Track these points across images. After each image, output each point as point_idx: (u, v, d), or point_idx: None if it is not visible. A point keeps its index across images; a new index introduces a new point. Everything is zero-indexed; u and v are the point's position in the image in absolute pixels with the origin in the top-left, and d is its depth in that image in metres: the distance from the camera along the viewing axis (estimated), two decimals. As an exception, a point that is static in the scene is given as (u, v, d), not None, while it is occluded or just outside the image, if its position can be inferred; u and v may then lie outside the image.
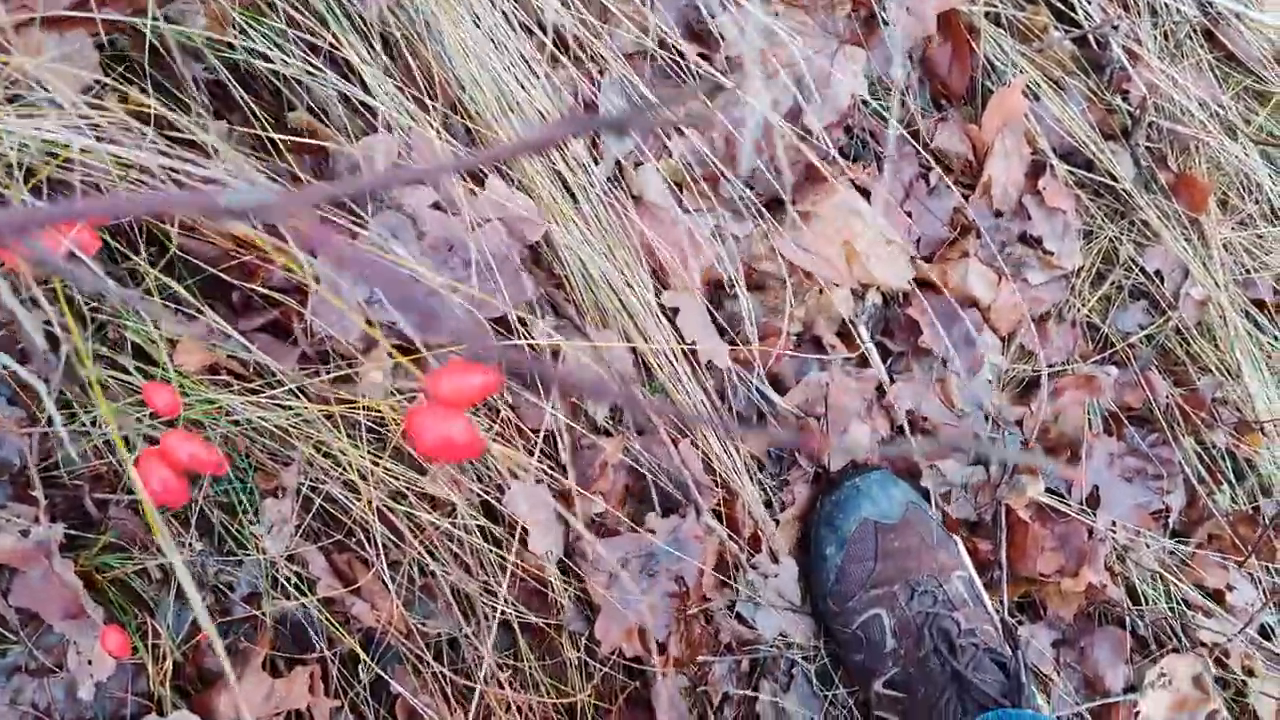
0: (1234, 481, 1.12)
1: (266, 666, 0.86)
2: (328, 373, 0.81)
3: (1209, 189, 1.07)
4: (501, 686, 0.88)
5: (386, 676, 0.87)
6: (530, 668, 0.90)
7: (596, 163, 0.92)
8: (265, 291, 0.82)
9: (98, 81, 0.77)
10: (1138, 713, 1.05)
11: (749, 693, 0.96)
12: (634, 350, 0.92)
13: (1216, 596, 1.08)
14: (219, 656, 0.84)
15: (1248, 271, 1.12)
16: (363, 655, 0.86)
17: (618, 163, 0.93)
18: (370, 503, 0.83)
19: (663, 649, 0.92)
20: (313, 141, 0.84)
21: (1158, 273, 1.09)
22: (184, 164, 0.75)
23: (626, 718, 0.92)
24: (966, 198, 1.02)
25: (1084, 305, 1.08)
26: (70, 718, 0.84)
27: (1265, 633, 1.12)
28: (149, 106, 0.74)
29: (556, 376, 0.29)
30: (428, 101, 0.86)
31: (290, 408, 0.80)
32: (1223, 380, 1.10)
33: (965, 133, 1.03)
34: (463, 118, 0.87)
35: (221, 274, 0.80)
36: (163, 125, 0.76)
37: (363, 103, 0.85)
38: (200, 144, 0.78)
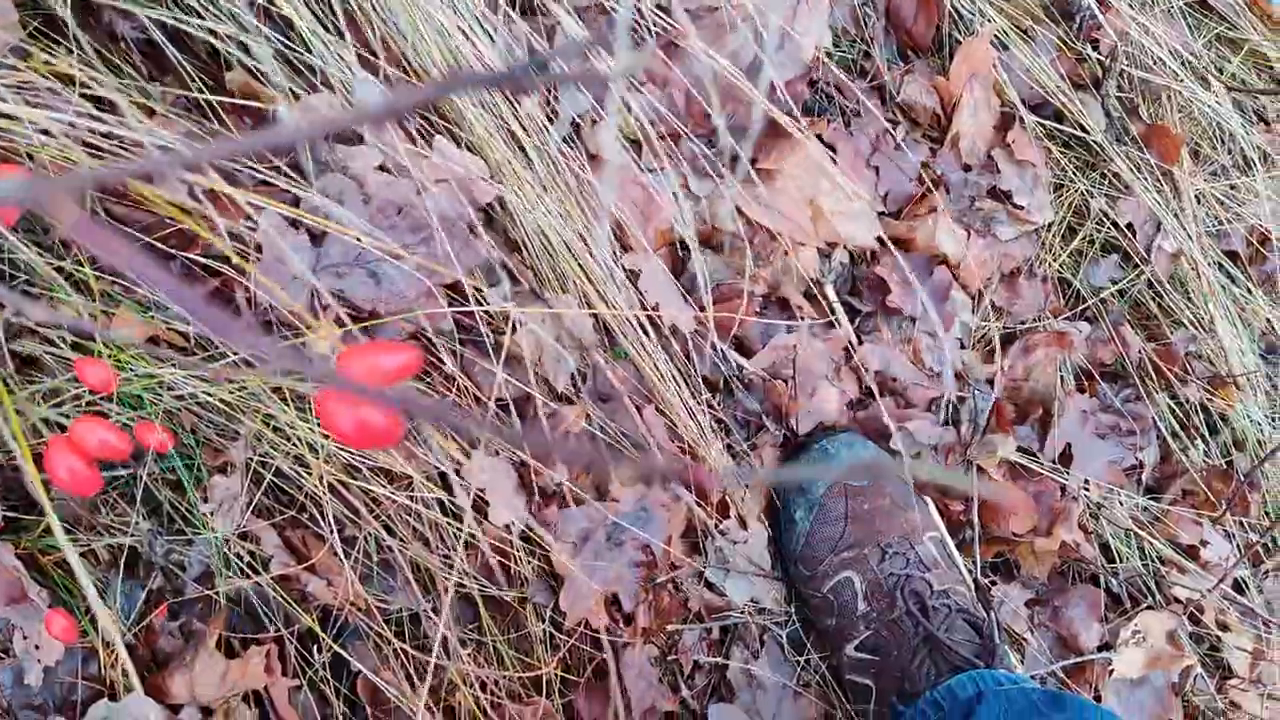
0: (1208, 436, 1.11)
1: (222, 647, 0.84)
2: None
3: (1181, 139, 1.05)
4: (465, 661, 0.86)
5: (346, 654, 0.85)
6: (494, 641, 0.88)
7: (551, 121, 0.88)
8: (205, 260, 0.78)
9: (20, 40, 0.73)
10: (1112, 671, 1.04)
11: (720, 660, 0.94)
12: (595, 315, 0.89)
13: (1190, 552, 1.07)
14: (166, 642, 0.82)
15: (1221, 223, 1.10)
16: (320, 633, 0.84)
17: (574, 121, 0.90)
18: (321, 478, 0.80)
19: (630, 619, 0.90)
20: (252, 103, 0.80)
21: (1129, 226, 1.07)
22: (117, 129, 0.72)
23: (595, 689, 0.91)
24: (934, 152, 0.99)
25: (1055, 260, 1.06)
26: (19, 704, 0.81)
27: (1239, 587, 1.11)
28: (73, 67, 0.70)
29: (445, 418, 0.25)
30: (372, 60, 0.82)
31: (234, 380, 0.77)
32: (1196, 334, 1.08)
33: (932, 85, 1.00)
34: (409, 75, 0.84)
35: (158, 243, 0.76)
36: (95, 97, 0.72)
37: (303, 62, 0.82)
38: (133, 106, 0.74)
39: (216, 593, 0.83)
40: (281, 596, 0.84)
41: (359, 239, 0.81)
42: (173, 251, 0.77)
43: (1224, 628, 1.10)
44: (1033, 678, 1.02)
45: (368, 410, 0.35)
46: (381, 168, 0.81)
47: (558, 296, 0.88)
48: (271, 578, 0.83)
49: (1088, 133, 1.04)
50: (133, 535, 0.82)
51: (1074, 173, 1.06)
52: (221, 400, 0.79)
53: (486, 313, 0.86)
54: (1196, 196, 1.08)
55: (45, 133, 0.69)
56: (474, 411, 0.87)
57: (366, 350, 0.35)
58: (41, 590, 0.80)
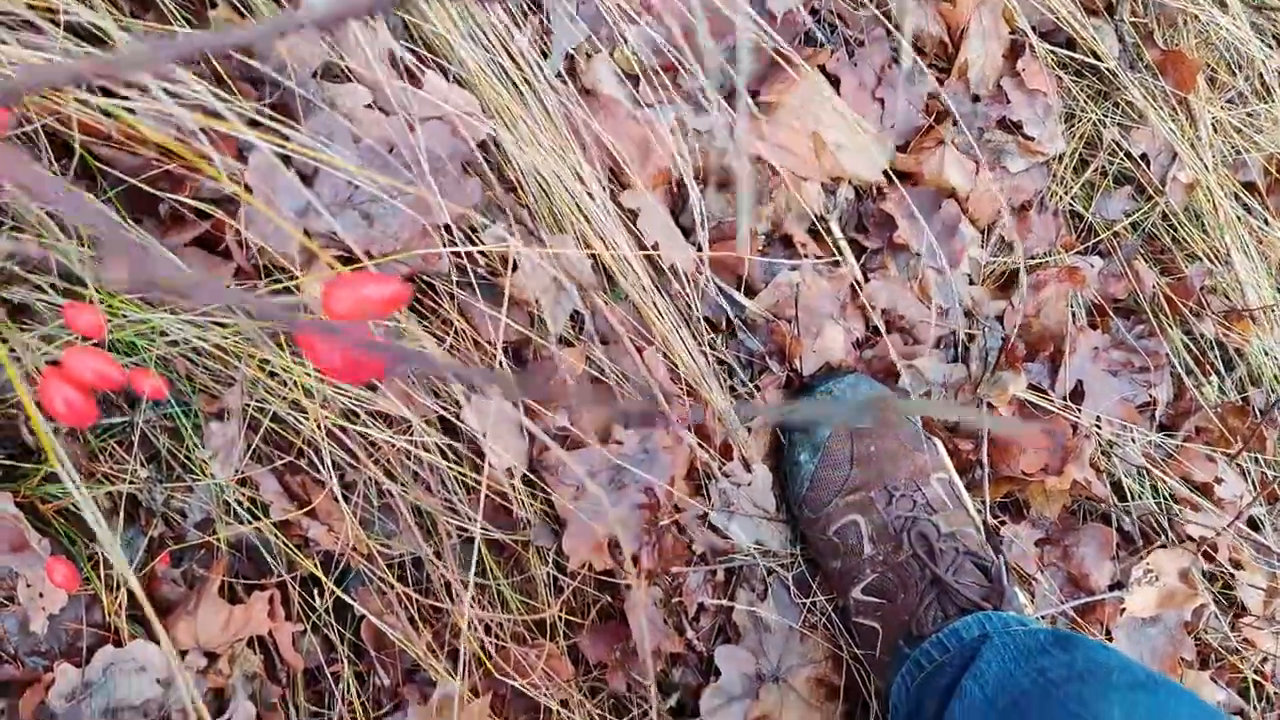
0: (1223, 372, 1.09)
1: (225, 594, 0.84)
2: (265, 287, 0.77)
3: (1198, 65, 1.01)
4: (468, 604, 0.86)
5: (348, 599, 0.85)
6: (498, 585, 0.88)
7: (545, 55, 0.86)
8: (194, 203, 0.77)
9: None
10: (1124, 610, 1.03)
11: (725, 602, 0.94)
12: (593, 255, 0.88)
13: (1204, 490, 1.06)
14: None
15: (1238, 152, 1.07)
16: (323, 578, 0.84)
17: (568, 55, 0.87)
18: (319, 423, 0.80)
19: (634, 561, 0.90)
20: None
21: (1143, 156, 1.04)
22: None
23: (600, 631, 0.90)
24: (941, 82, 0.97)
25: (1066, 193, 1.03)
26: (25, 650, 0.82)
27: (1254, 524, 1.10)
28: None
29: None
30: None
31: (228, 324, 0.76)
32: (1212, 267, 1.06)
33: (939, 11, 0.97)
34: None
35: (145, 185, 0.75)
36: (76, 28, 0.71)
37: (289, -3, 0.79)
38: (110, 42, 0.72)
39: (217, 539, 0.83)
40: (283, 542, 0.83)
41: (351, 182, 0.80)
42: (160, 195, 0.76)
43: (1238, 565, 1.09)
44: (1043, 618, 1.01)
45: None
46: (371, 105, 0.79)
47: (554, 236, 0.86)
48: (272, 523, 0.82)
49: (1100, 60, 1.01)
50: (132, 483, 0.82)
51: (1086, 102, 1.03)
52: (216, 345, 0.78)
53: (483, 254, 0.84)
54: (1213, 125, 1.04)
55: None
56: (471, 359, 0.86)
57: (353, 281, 0.33)
58: (43, 539, 0.80)
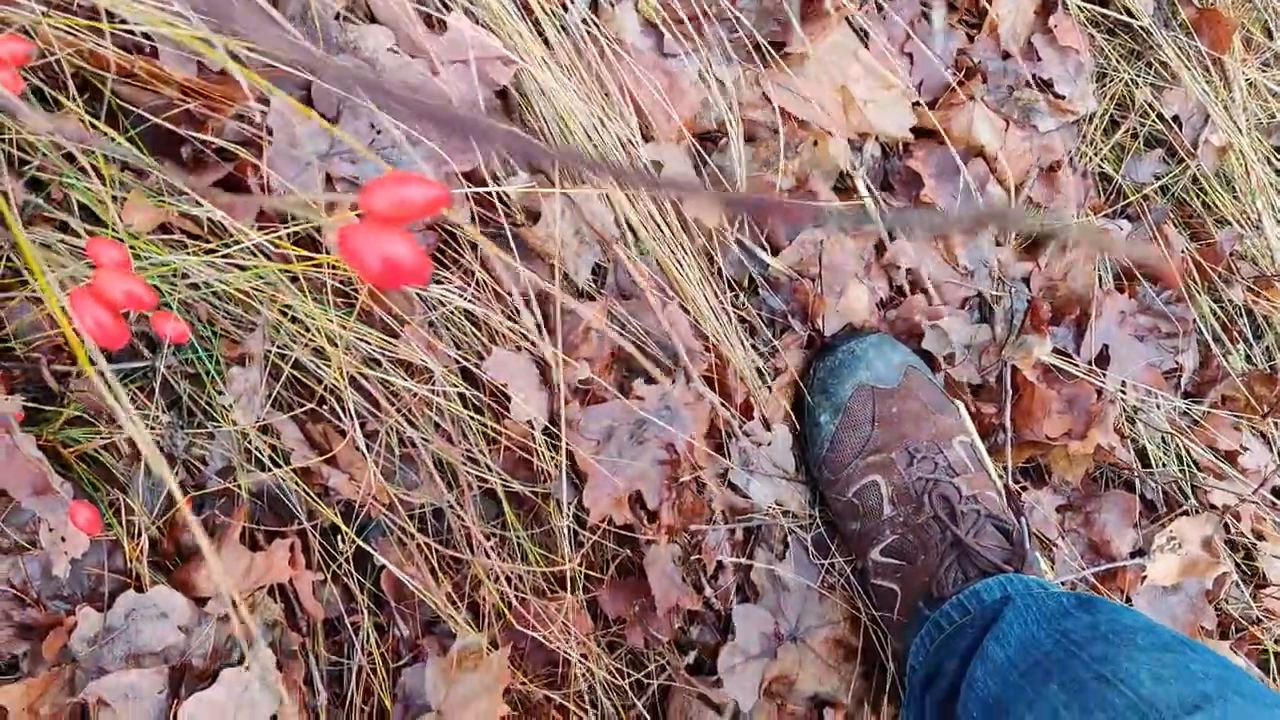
0: (1251, 339, 1.07)
1: (246, 541, 0.84)
2: (288, 230, 0.77)
3: (1234, 25, 0.99)
4: (488, 556, 0.85)
5: (369, 548, 0.84)
6: (518, 537, 0.88)
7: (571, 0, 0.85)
8: (218, 144, 0.76)
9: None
10: (1145, 577, 1.03)
11: (744, 561, 0.93)
12: (615, 207, 0.87)
13: (1229, 458, 1.05)
14: (194, 534, 0.82)
15: (1272, 116, 1.05)
16: (343, 527, 0.84)
17: (593, 1, 0.86)
18: (341, 369, 0.79)
19: (654, 517, 0.89)
20: None
21: (1175, 118, 1.02)
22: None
23: (619, 586, 0.90)
24: (972, 38, 0.95)
25: (1096, 154, 1.02)
26: (47, 594, 0.82)
27: (1279, 494, 1.09)
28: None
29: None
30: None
31: (250, 268, 0.76)
32: (1242, 232, 1.04)
33: (971, -34, 0.95)
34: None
35: (168, 124, 0.74)
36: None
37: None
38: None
39: (238, 486, 0.83)
40: (304, 490, 0.83)
41: (373, 125, 0.79)
42: (183, 135, 0.75)
43: (1260, 536, 1.08)
44: (1063, 583, 1.00)
45: (394, 245, 0.32)
46: (394, 49, 0.78)
47: (577, 188, 0.85)
48: (293, 471, 0.82)
49: (1134, 18, 0.99)
50: (153, 428, 0.82)
51: (1118, 61, 1.01)
52: (238, 289, 0.77)
53: (505, 204, 0.83)
54: (1247, 87, 1.02)
55: (48, 2, 0.67)
56: (491, 309, 0.85)
57: (392, 182, 0.32)
58: (65, 483, 0.80)
